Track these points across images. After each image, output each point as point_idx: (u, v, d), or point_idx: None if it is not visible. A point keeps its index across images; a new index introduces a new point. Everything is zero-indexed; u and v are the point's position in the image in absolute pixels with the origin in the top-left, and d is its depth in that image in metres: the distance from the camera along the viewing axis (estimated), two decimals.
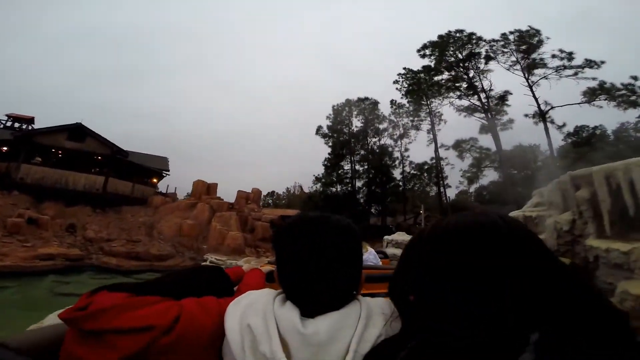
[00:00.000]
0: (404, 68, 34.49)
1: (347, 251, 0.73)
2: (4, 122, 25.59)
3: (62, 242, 18.10)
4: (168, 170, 27.06)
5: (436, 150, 33.06)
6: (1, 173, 19.75)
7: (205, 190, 25.26)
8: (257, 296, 0.76)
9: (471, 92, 30.87)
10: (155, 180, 26.10)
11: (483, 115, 30.01)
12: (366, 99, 37.43)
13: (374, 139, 36.79)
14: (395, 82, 34.82)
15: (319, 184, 36.58)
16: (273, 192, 50.93)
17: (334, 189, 36.48)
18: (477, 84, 30.68)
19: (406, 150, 35.99)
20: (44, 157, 21.21)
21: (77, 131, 21.72)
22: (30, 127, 24.61)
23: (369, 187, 34.90)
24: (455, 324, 0.52)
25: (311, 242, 0.71)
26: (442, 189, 32.91)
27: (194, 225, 21.57)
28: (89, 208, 21.12)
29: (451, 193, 34.84)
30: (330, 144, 36.67)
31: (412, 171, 35.35)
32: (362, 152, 36.34)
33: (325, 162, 36.51)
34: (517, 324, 0.48)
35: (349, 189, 35.68)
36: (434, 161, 33.55)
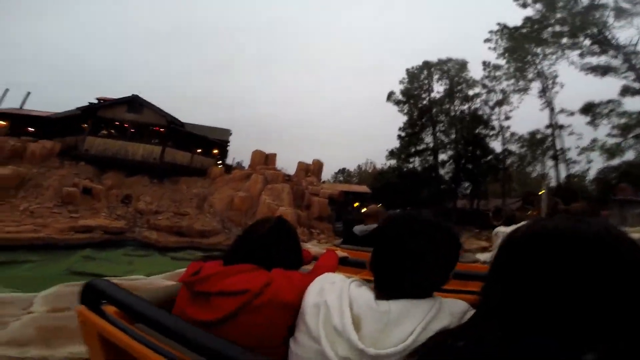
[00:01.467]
0: (498, 24, 26.05)
1: (442, 257, 0.75)
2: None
3: (112, 213, 17.23)
4: (228, 141, 25.16)
5: (551, 118, 24.45)
6: (71, 146, 19.92)
7: (262, 161, 22.55)
8: (334, 278, 0.84)
9: (600, 49, 21.50)
10: (216, 151, 24.43)
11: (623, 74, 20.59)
12: (449, 60, 29.94)
13: (462, 107, 29.44)
14: (487, 40, 26.63)
15: (393, 159, 30.99)
16: (344, 169, 46.97)
17: (411, 165, 30.59)
18: (608, 37, 21.21)
19: (507, 118, 27.86)
20: (107, 129, 20.93)
21: (135, 103, 20.85)
22: None
23: (456, 162, 28.10)
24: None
25: (411, 241, 0.74)
26: (558, 165, 24.35)
27: (245, 198, 19.00)
28: (147, 178, 20.22)
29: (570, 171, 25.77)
30: (405, 111, 30.52)
31: (518, 143, 27.07)
32: (447, 120, 29.38)
33: (401, 133, 30.62)
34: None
35: (430, 163, 29.40)
36: (549, 130, 24.97)
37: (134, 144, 20.38)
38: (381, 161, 36.57)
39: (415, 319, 0.68)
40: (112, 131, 20.99)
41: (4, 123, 21.12)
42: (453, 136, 28.94)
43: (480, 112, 28.54)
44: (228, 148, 25.95)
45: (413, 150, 29.42)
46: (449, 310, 0.72)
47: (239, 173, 21.24)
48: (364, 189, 28.10)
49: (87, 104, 20.94)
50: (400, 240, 0.75)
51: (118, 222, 16.38)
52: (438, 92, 30.29)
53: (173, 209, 18.33)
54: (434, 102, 29.89)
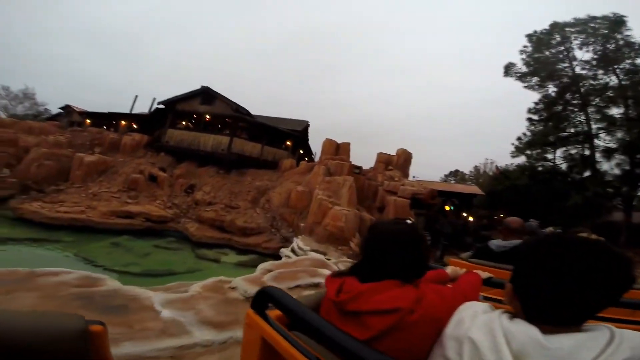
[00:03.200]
0: None
1: (609, 283, 0.66)
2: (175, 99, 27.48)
3: (169, 202, 16.17)
4: (301, 132, 22.02)
5: None
6: (156, 138, 20.34)
7: (333, 151, 18.45)
8: (475, 308, 0.77)
9: None
10: (289, 143, 21.65)
11: None
12: (592, 18, 19.51)
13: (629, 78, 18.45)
14: None
15: (521, 154, 21.85)
16: (456, 171, 37.83)
17: (549, 161, 21.04)
18: None
19: None
20: (184, 122, 20.67)
21: (206, 95, 20.03)
22: None
23: (629, 152, 17.61)
24: None
25: (580, 268, 0.65)
26: None
27: (302, 194, 15.29)
28: (214, 169, 18.86)
29: None
30: (534, 85, 21.21)
31: None
32: (605, 95, 18.91)
33: (532, 116, 21.38)
34: None
35: (581, 155, 19.48)
36: None
37: (205, 135, 19.41)
38: (507, 161, 27.15)
39: (592, 352, 0.59)
40: (189, 123, 20.64)
41: (124, 122, 23.51)
42: (618, 116, 18.38)
43: None
44: (307, 140, 22.93)
45: (553, 138, 19.93)
46: (629, 343, 0.61)
47: (304, 165, 17.70)
48: (472, 189, 20.47)
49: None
50: (556, 264, 0.67)
51: (164, 211, 15.02)
52: (583, 62, 20.08)
53: (226, 201, 16.13)
54: (578, 75, 19.88)
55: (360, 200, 15.96)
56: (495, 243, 2.58)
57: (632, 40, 18.79)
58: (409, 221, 0.98)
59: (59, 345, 0.59)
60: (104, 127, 23.64)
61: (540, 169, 21.24)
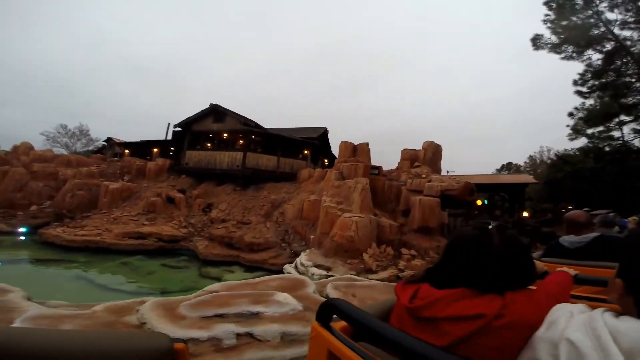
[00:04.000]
0: None
1: None
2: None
3: (184, 221, 15.65)
4: (316, 139, 20.48)
5: None
6: (176, 161, 20.42)
7: (350, 154, 16.65)
8: (570, 309, 0.72)
9: None
10: (306, 151, 20.29)
11: None
12: None
13: None
14: None
15: (580, 135, 17.94)
16: (509, 164, 33.12)
17: (616, 140, 16.97)
18: None
19: None
20: (201, 142, 20.45)
21: (217, 112, 19.59)
22: None
23: None
24: None
25: None
26: None
27: (314, 203, 13.73)
28: (232, 186, 18.17)
29: None
30: (570, 52, 17.46)
31: None
32: None
33: (581, 88, 17.58)
34: None
35: None
36: None
37: (221, 153, 18.96)
38: (566, 147, 22.78)
39: None
40: (205, 143, 20.40)
41: (157, 149, 24.28)
42: None
43: None
44: (329, 147, 21.40)
45: (615, 109, 15.98)
46: None
47: (318, 172, 16.15)
48: (523, 178, 16.90)
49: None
50: None
51: (177, 230, 14.46)
52: (620, 23, 16.10)
53: (239, 217, 15.15)
54: (623, 39, 15.93)
55: (381, 204, 13.93)
56: (568, 239, 2.45)
57: None
58: (491, 225, 0.89)
59: None
60: (143, 156, 24.63)
61: (607, 148, 17.23)
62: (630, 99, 15.79)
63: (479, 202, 12.01)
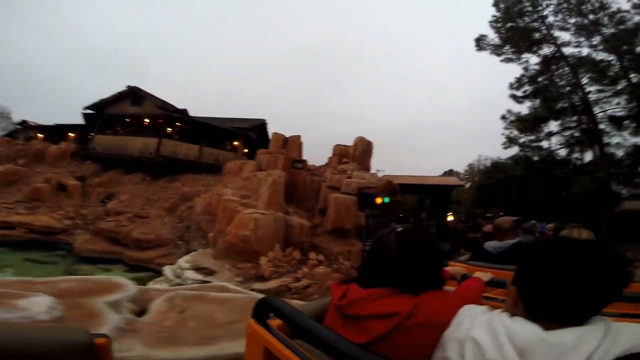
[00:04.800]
0: None
1: (602, 284, 0.66)
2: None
3: (74, 212, 13.10)
4: (249, 130, 18.67)
5: None
6: (84, 146, 17.61)
7: (281, 146, 15.04)
8: (474, 311, 0.76)
9: None
10: (237, 142, 18.37)
11: None
12: None
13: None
14: None
15: (513, 144, 17.86)
16: (450, 170, 33.84)
17: (545, 150, 17.11)
18: None
19: None
20: (113, 126, 17.81)
21: (135, 95, 17.27)
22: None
23: None
24: None
25: (576, 266, 0.66)
26: None
27: (222, 197, 11.90)
28: (142, 175, 15.77)
29: None
30: (510, 55, 17.39)
31: None
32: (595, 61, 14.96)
33: (515, 92, 17.58)
34: None
35: (582, 127, 15.43)
36: None
37: (133, 139, 16.51)
38: (499, 155, 22.94)
39: (591, 344, 0.60)
40: (119, 128, 17.78)
41: (73, 134, 21.02)
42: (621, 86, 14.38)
43: None
44: (268, 140, 19.58)
45: (545, 112, 15.94)
46: (628, 332, 0.62)
47: (234, 164, 14.31)
48: (449, 180, 16.26)
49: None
50: (558, 267, 0.67)
51: (56, 222, 11.97)
52: (561, 28, 16.36)
53: (137, 209, 12.91)
54: (561, 44, 16.14)
55: (300, 201, 12.45)
56: (492, 245, 2.57)
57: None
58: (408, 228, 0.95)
59: (65, 358, 0.61)
60: (58, 141, 21.23)
61: (536, 158, 17.29)
62: (559, 104, 15.83)
63: (378, 201, 10.79)
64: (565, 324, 0.64)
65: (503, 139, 18.08)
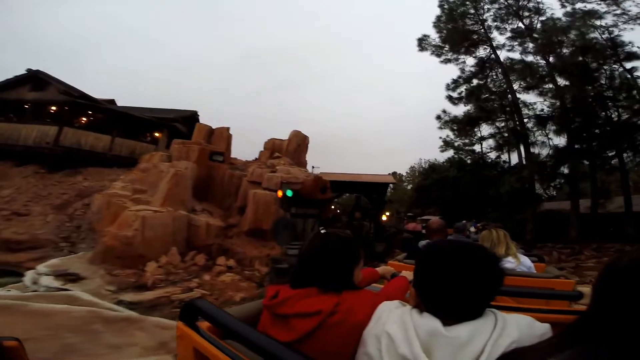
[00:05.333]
0: None
1: (482, 279, 0.73)
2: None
3: None
4: (173, 121, 16.71)
5: None
6: None
7: (205, 139, 13.34)
8: (392, 306, 0.79)
9: None
10: (158, 134, 16.34)
11: None
12: None
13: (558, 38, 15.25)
14: None
15: (449, 147, 18.11)
16: (394, 173, 34.52)
17: (474, 154, 17.58)
18: None
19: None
20: (8, 112, 14.87)
21: (37, 80, 14.69)
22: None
23: (569, 132, 14.01)
24: None
25: (457, 267, 0.72)
26: None
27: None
28: (36, 168, 13.15)
29: None
30: (449, 56, 17.60)
31: None
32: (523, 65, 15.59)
33: (451, 93, 17.77)
34: None
35: (509, 127, 15.90)
36: None
37: (28, 126, 13.82)
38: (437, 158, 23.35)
39: (483, 336, 0.65)
40: (14, 114, 14.88)
41: None
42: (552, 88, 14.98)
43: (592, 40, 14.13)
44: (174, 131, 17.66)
45: (477, 113, 16.16)
46: (515, 324, 0.69)
47: (150, 157, 12.39)
48: (382, 178, 15.54)
49: None
50: (445, 268, 0.73)
51: None
52: (499, 30, 16.94)
53: (18, 206, 10.50)
54: (496, 47, 16.64)
55: (218, 198, 10.94)
56: (423, 243, 2.63)
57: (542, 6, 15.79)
58: (340, 232, 0.99)
59: None
60: None
61: (469, 160, 17.63)
62: (491, 104, 16.16)
63: (279, 194, 9.69)
64: (460, 319, 0.68)
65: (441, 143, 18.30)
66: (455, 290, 0.70)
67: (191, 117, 18.05)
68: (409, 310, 0.74)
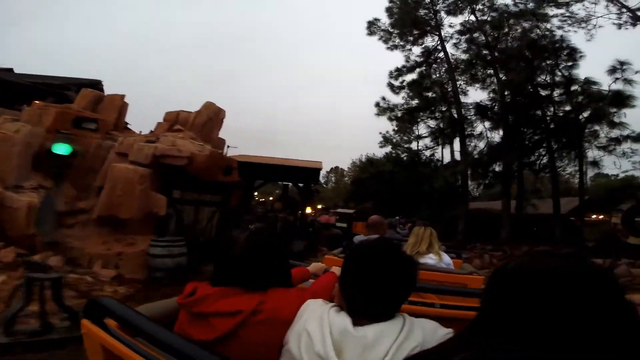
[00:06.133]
0: None
1: (398, 281, 0.74)
2: None
3: None
4: (67, 90, 13.45)
5: None
6: None
7: (90, 106, 10.34)
8: (315, 305, 0.80)
9: None
10: (39, 102, 13.00)
11: None
12: None
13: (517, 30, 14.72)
14: None
15: (388, 144, 17.23)
16: (336, 167, 34.02)
17: (410, 152, 16.68)
18: None
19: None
20: None
21: None
22: None
23: (505, 128, 13.26)
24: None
25: (373, 267, 0.74)
26: None
27: None
28: None
29: None
30: (397, 43, 16.64)
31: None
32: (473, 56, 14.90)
33: (392, 81, 16.68)
34: None
35: (448, 117, 15.01)
36: None
37: None
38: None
39: (389, 339, 0.66)
40: None
41: None
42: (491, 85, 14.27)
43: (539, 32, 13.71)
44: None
45: (417, 102, 15.16)
46: (420, 328, 0.70)
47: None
48: (314, 164, 13.02)
49: None
50: (360, 268, 0.74)
51: None
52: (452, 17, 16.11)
53: None
54: (444, 39, 15.79)
55: (80, 175, 8.14)
56: (359, 238, 2.72)
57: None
58: (252, 227, 0.95)
59: None
60: None
61: (404, 156, 17.11)
62: (431, 93, 15.29)
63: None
64: (373, 319, 0.69)
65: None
66: (368, 291, 0.71)
67: (91, 86, 14.67)
68: (328, 308, 0.75)
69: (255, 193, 20.59)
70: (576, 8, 13.39)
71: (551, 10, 13.74)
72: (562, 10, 13.55)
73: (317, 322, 0.71)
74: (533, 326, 0.45)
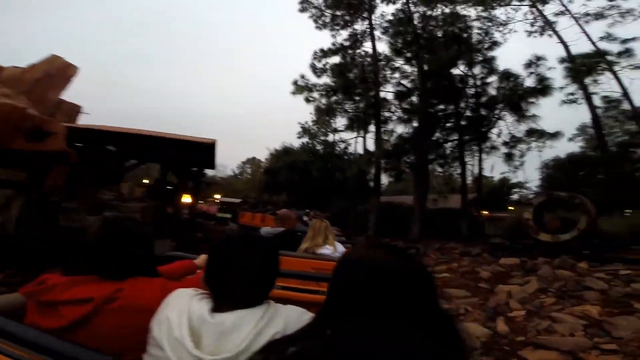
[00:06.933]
0: None
1: (261, 268, 0.75)
2: None
3: None
4: None
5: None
6: None
7: None
8: (183, 293, 0.78)
9: None
10: None
11: None
12: None
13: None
14: None
15: (306, 135, 15.80)
16: (253, 158, 33.35)
17: (327, 145, 15.85)
18: None
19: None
20: None
21: None
22: None
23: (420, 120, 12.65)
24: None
25: (235, 256, 0.73)
26: None
27: None
28: None
29: None
30: (327, 22, 15.49)
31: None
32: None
33: (315, 62, 15.49)
34: None
35: (368, 103, 14.12)
36: None
37: None
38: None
39: (249, 326, 0.67)
40: None
41: None
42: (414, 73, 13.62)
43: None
44: None
45: (336, 85, 13.99)
46: (283, 315, 0.71)
47: None
48: (201, 140, 9.54)
49: None
50: (228, 256, 0.74)
51: None
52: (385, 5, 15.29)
53: None
54: (371, 22, 14.88)
55: None
56: (265, 230, 2.75)
57: None
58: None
59: None
60: None
61: (320, 148, 16.04)
62: (352, 75, 14.30)
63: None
64: (235, 306, 0.68)
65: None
66: (230, 278, 0.71)
67: None
68: (191, 296, 0.74)
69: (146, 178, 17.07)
70: (498, 12, 13.53)
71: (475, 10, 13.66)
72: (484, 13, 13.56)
73: (178, 309, 0.70)
74: (367, 305, 0.53)
